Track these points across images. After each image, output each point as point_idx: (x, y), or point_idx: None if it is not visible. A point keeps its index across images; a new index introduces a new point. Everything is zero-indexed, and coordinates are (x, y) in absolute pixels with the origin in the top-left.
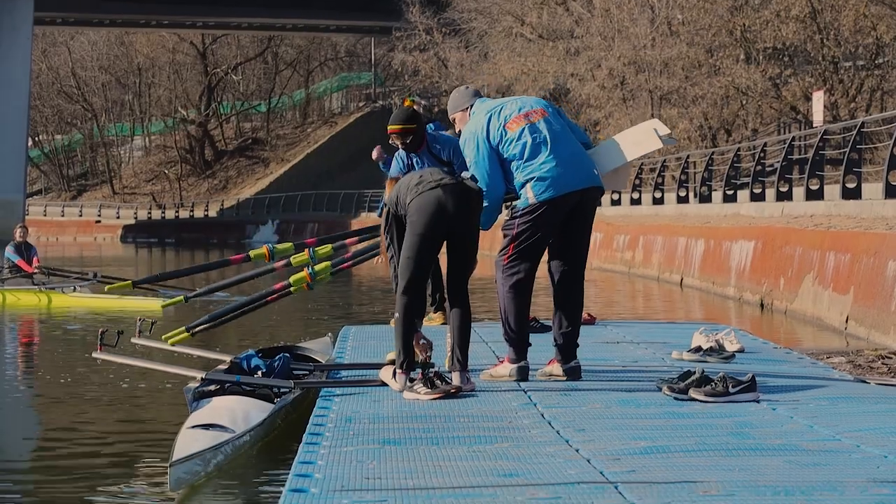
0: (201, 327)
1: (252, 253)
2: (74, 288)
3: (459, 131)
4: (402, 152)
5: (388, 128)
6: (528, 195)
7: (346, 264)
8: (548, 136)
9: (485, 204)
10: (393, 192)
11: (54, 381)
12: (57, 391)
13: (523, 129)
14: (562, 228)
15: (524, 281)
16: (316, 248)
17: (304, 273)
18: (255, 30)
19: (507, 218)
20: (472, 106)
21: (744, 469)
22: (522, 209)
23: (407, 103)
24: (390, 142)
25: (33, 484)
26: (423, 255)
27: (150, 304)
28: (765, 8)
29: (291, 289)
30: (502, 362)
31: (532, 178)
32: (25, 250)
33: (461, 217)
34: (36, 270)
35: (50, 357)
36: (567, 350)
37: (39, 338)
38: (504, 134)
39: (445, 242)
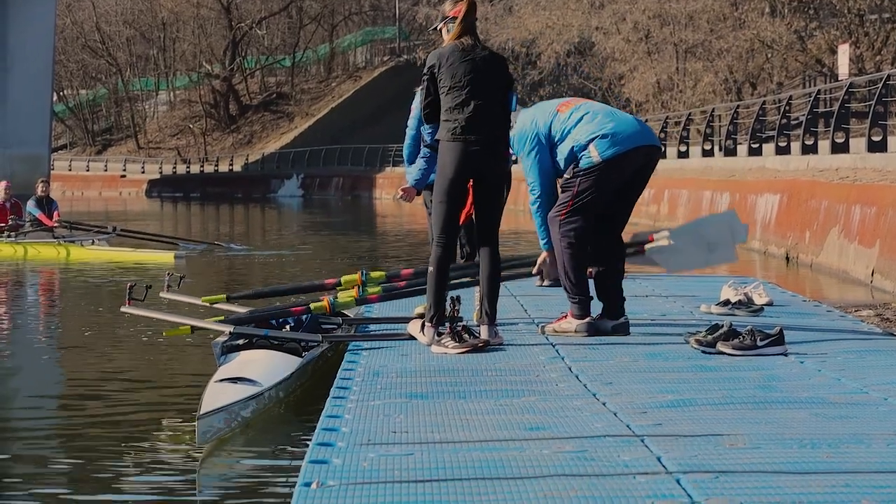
0: (242, 297)
1: (344, 279)
2: (93, 241)
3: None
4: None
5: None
6: (593, 154)
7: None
8: (602, 107)
9: (537, 197)
10: (438, 63)
11: (80, 334)
12: (83, 345)
13: (576, 107)
14: (621, 188)
15: (582, 235)
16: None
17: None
18: None
19: (569, 176)
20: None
21: (770, 422)
22: (586, 169)
23: None
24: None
25: (60, 437)
26: (452, 198)
27: (165, 257)
28: None
29: (338, 290)
30: (565, 317)
31: (595, 137)
32: (46, 204)
33: (493, 163)
34: (56, 224)
35: (75, 311)
36: (615, 306)
37: (63, 291)
38: (555, 114)
39: (473, 192)
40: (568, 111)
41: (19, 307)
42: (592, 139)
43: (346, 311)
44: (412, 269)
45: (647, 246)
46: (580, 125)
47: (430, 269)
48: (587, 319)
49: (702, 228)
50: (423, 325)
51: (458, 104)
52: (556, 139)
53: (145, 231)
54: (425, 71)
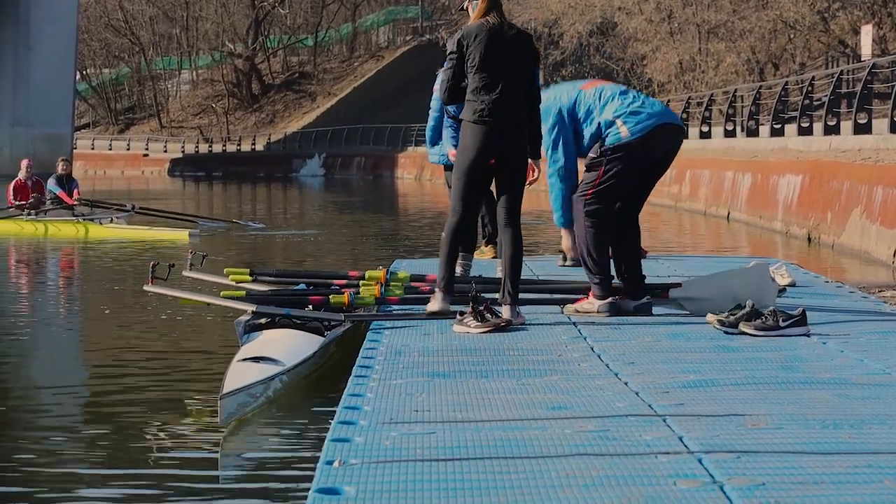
0: (266, 276)
1: (368, 273)
2: (112, 219)
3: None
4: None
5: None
6: (622, 131)
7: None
8: (627, 89)
9: (557, 170)
10: (467, 41)
11: (101, 313)
12: (104, 323)
13: (602, 87)
14: (647, 168)
15: (606, 216)
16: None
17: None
18: None
19: (595, 155)
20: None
21: (792, 402)
22: (613, 147)
23: None
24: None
25: (82, 417)
26: (472, 173)
27: (179, 235)
28: None
29: (361, 283)
30: (587, 297)
31: (623, 114)
32: (67, 183)
33: (513, 144)
34: (76, 202)
35: (95, 289)
36: (636, 286)
37: (83, 269)
38: (580, 93)
39: (496, 173)
40: (593, 90)
41: (40, 285)
42: (620, 115)
43: None
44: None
45: (671, 291)
46: (608, 104)
47: (444, 234)
48: (609, 300)
49: (729, 282)
50: (434, 291)
51: (484, 85)
52: (580, 118)
53: (164, 209)
54: (453, 48)
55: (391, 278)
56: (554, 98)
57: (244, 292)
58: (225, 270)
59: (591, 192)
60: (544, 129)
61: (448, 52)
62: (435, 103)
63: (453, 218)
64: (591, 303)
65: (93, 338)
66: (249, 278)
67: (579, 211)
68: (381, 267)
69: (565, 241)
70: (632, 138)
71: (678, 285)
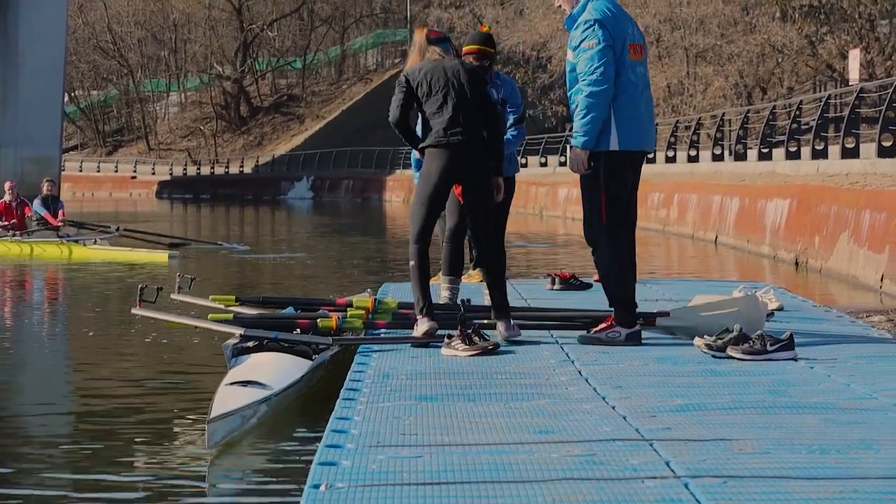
0: (251, 302)
1: (356, 301)
2: (95, 241)
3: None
4: None
5: (465, 48)
6: (613, 139)
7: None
8: (645, 83)
9: (602, 88)
10: (417, 78)
11: (89, 335)
12: (92, 346)
13: (638, 63)
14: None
15: (626, 234)
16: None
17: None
18: None
19: (581, 170)
20: None
21: (780, 427)
22: (606, 152)
23: (485, 28)
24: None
25: (69, 439)
26: (433, 201)
27: (160, 257)
28: None
29: (349, 310)
30: (607, 324)
31: (621, 120)
32: (52, 204)
33: (476, 164)
34: (61, 224)
35: (80, 311)
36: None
37: (68, 291)
38: (626, 48)
39: (463, 196)
40: (635, 61)
41: (26, 306)
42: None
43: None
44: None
45: (658, 320)
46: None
47: (412, 263)
48: (637, 327)
49: (718, 310)
50: (415, 318)
51: (437, 108)
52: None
53: (148, 231)
54: (402, 82)
55: (379, 306)
56: (615, 22)
57: (231, 315)
58: (212, 297)
59: (605, 214)
60: (593, 40)
61: (397, 82)
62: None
63: (416, 247)
64: (617, 331)
65: (79, 360)
66: (233, 301)
67: (604, 241)
68: (369, 290)
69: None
70: (624, 152)
71: (666, 314)
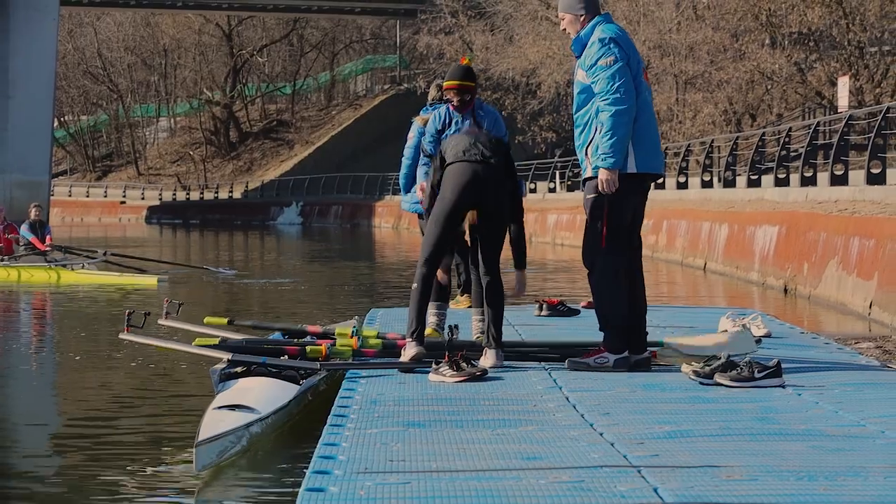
0: (243, 324)
1: (338, 330)
2: (83, 265)
3: (566, 31)
4: (442, 109)
5: (446, 83)
6: (630, 161)
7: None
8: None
9: (621, 108)
10: (443, 145)
11: (77, 360)
12: (80, 371)
13: (647, 85)
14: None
15: (624, 261)
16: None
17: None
18: (281, 11)
19: (593, 194)
20: (592, 17)
21: (767, 454)
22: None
23: (465, 61)
24: (445, 97)
25: (58, 463)
26: (448, 224)
27: (148, 281)
28: None
29: (336, 341)
30: (600, 351)
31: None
32: (39, 228)
33: (493, 192)
34: (48, 248)
35: (68, 336)
36: (640, 340)
37: (56, 315)
38: (640, 70)
39: (478, 220)
40: (645, 82)
41: (13, 331)
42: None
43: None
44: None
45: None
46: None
47: (415, 285)
48: (626, 353)
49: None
50: (405, 340)
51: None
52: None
53: (134, 255)
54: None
55: (359, 335)
56: (627, 45)
57: (218, 340)
58: (205, 320)
59: (604, 237)
60: (608, 59)
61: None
62: (408, 151)
63: (423, 269)
64: (606, 356)
65: (66, 385)
66: (225, 322)
67: (601, 262)
68: (356, 318)
69: (613, 178)
70: (633, 174)
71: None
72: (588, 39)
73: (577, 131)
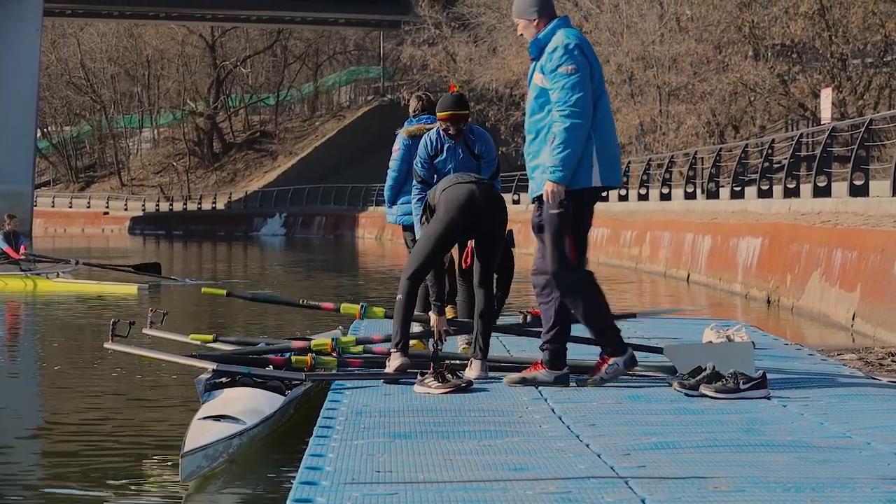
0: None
1: (343, 307)
2: (58, 273)
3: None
4: (433, 134)
5: (439, 114)
6: (595, 174)
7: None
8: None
9: (578, 121)
10: (432, 190)
11: (61, 370)
12: (64, 381)
13: (605, 98)
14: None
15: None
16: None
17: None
18: (264, 23)
19: (557, 210)
20: (548, 20)
21: (754, 465)
22: (571, 189)
23: (455, 89)
24: (439, 125)
25: (42, 474)
26: (440, 243)
27: (128, 290)
28: (773, 4)
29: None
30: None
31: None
32: (14, 238)
33: (488, 212)
34: (22, 257)
35: (49, 346)
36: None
37: (39, 324)
38: (602, 86)
39: (476, 238)
40: (604, 95)
41: None
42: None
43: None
44: (381, 336)
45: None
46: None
47: (399, 297)
48: (626, 356)
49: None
50: (389, 353)
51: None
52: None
53: (107, 263)
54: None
55: (338, 344)
56: (588, 51)
57: (212, 337)
58: (203, 290)
59: (572, 252)
60: (569, 66)
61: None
62: (394, 163)
63: (409, 282)
64: (615, 363)
65: (49, 395)
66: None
67: (568, 277)
68: (340, 328)
69: (560, 192)
70: (592, 188)
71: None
72: (547, 42)
73: (528, 137)
